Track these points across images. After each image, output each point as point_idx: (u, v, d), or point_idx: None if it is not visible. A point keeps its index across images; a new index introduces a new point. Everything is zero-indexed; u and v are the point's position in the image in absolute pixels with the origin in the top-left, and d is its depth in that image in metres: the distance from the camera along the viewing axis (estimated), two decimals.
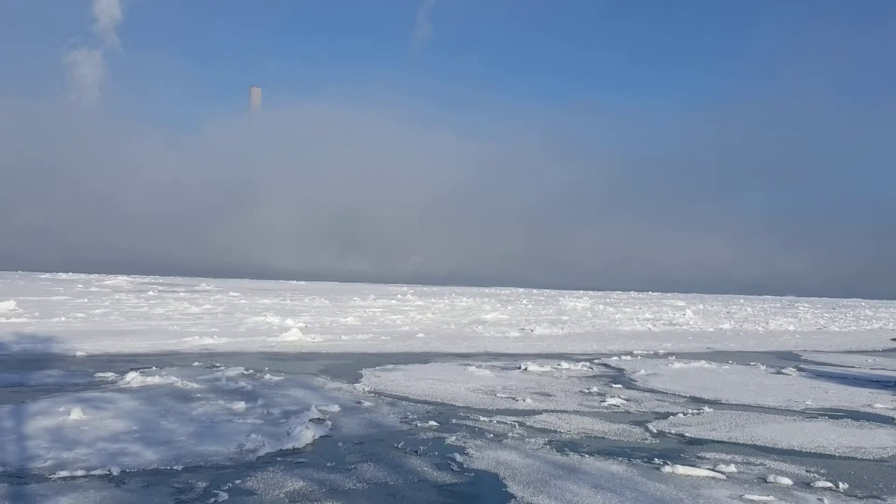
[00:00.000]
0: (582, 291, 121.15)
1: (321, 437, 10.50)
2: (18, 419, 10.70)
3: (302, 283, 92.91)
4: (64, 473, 8.18)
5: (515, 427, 11.68)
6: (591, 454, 10.08)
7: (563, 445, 10.54)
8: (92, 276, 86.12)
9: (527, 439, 10.82)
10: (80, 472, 8.25)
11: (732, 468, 9.46)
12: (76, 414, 10.79)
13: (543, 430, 11.56)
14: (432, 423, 11.74)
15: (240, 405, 12.27)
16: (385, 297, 60.69)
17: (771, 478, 9.06)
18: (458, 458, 9.56)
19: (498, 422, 12.06)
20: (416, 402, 13.65)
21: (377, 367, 18.06)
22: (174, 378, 14.61)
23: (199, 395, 13.32)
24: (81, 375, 15.04)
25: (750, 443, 11.24)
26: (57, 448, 9.19)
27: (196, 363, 17.35)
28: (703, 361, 22.40)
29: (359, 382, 15.54)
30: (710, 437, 11.54)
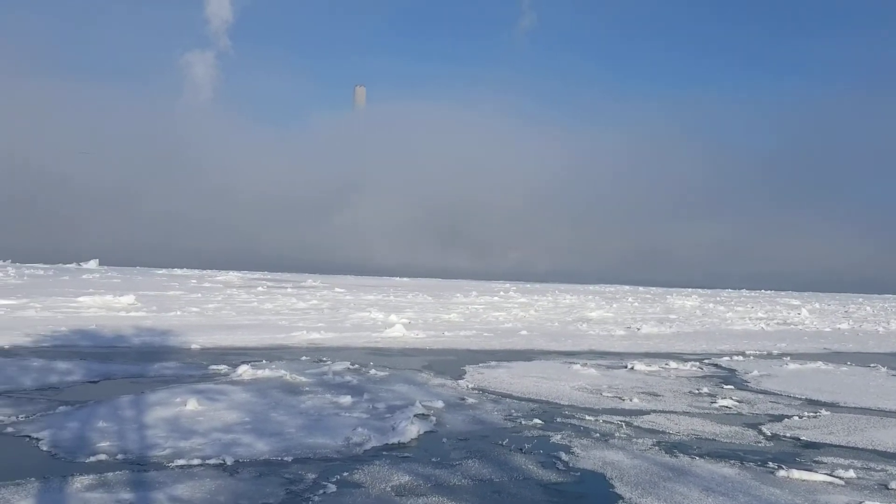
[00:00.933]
0: (690, 289, 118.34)
1: (426, 432, 10.56)
2: (139, 409, 11.16)
3: (405, 279, 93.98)
4: (181, 462, 8.49)
5: (622, 427, 11.46)
6: (701, 456, 9.80)
7: (672, 447, 10.29)
8: (205, 272, 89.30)
9: (634, 440, 10.61)
10: (195, 461, 8.54)
11: (851, 473, 9.02)
12: (192, 405, 11.18)
13: (651, 431, 11.31)
14: (537, 421, 11.65)
15: (346, 399, 12.47)
16: (487, 293, 60.73)
17: (893, 484, 8.61)
18: (564, 456, 9.45)
19: (604, 421, 11.87)
20: (521, 399, 13.58)
21: (480, 364, 18.06)
22: (283, 371, 14.98)
23: (306, 388, 13.61)
24: (196, 368, 15.58)
25: (870, 447, 10.72)
26: (174, 437, 9.54)
27: (304, 357, 17.74)
28: (820, 363, 21.49)
29: (462, 379, 15.57)
30: (828, 441, 11.05)
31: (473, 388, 14.53)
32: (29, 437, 9.42)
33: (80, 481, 7.63)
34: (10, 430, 9.75)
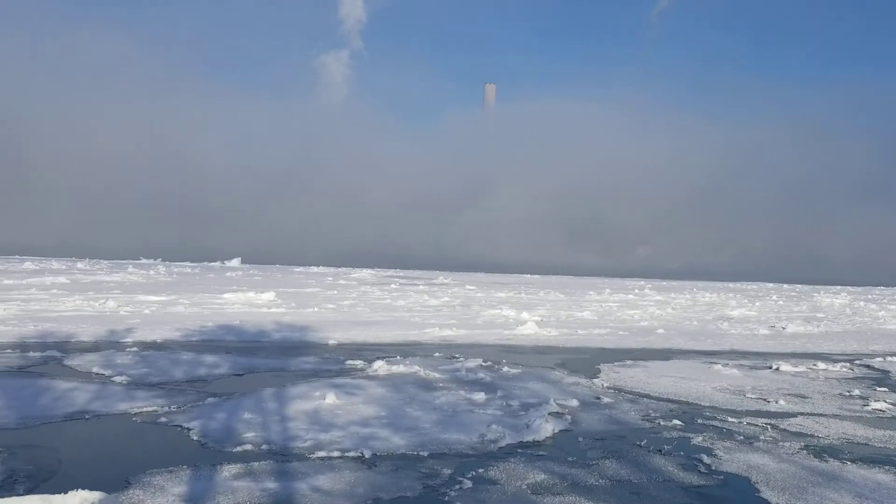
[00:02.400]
0: (839, 287, 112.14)
1: (561, 430, 10.42)
2: (281, 402, 11.54)
3: (535, 276, 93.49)
4: (321, 454, 8.70)
5: (767, 429, 10.96)
6: (853, 461, 9.25)
7: (822, 451, 9.75)
8: (340, 269, 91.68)
9: (780, 443, 10.12)
10: (335, 454, 8.74)
11: None
12: (330, 399, 11.45)
13: (799, 434, 10.76)
14: (676, 422, 11.31)
15: (479, 396, 12.48)
16: (621, 290, 59.64)
17: None
18: (706, 459, 9.12)
19: (748, 423, 11.39)
20: (659, 399, 13.22)
21: (615, 363, 17.71)
22: (417, 367, 15.15)
23: (440, 384, 13.71)
24: (333, 363, 15.98)
25: None
26: (315, 430, 9.80)
27: (437, 354, 17.90)
28: None
29: (597, 378, 15.31)
30: None
31: (609, 387, 14.25)
32: (180, 426, 9.89)
33: (227, 470, 7.94)
34: (163, 419, 10.27)
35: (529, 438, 9.87)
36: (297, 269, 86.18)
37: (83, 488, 4.55)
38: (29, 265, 63.11)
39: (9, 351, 15.70)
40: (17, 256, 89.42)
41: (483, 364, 16.31)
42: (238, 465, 8.11)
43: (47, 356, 15.14)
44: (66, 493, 4.38)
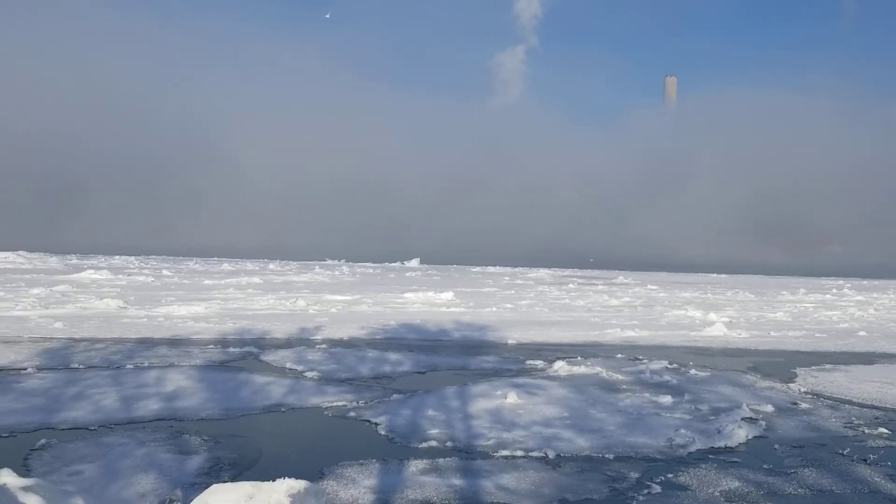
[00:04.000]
0: None
1: (755, 437, 9.91)
2: (463, 400, 11.67)
3: (722, 276, 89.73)
4: (505, 453, 8.71)
5: None
6: None
7: None
8: (516, 269, 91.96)
9: None
10: (518, 453, 8.72)
11: None
12: (512, 398, 11.45)
13: None
14: (882, 430, 10.47)
15: (666, 399, 12.08)
16: (816, 290, 56.13)
17: None
18: None
19: None
20: (862, 406, 12.29)
21: (812, 367, 16.65)
22: (599, 368, 14.89)
23: (624, 386, 13.39)
24: (513, 362, 15.99)
25: None
26: (497, 428, 9.82)
27: (619, 355, 17.52)
28: None
29: (793, 382, 14.45)
30: None
31: (806, 392, 13.42)
32: (368, 421, 10.21)
33: (414, 465, 8.10)
34: (352, 414, 10.63)
35: (721, 444, 9.44)
36: (474, 269, 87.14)
37: (283, 477, 4.74)
38: (226, 266, 67.47)
39: (211, 346, 16.80)
40: (215, 258, 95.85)
41: (668, 366, 15.80)
42: (424, 461, 8.25)
43: (245, 352, 16.07)
44: (273, 480, 4.58)
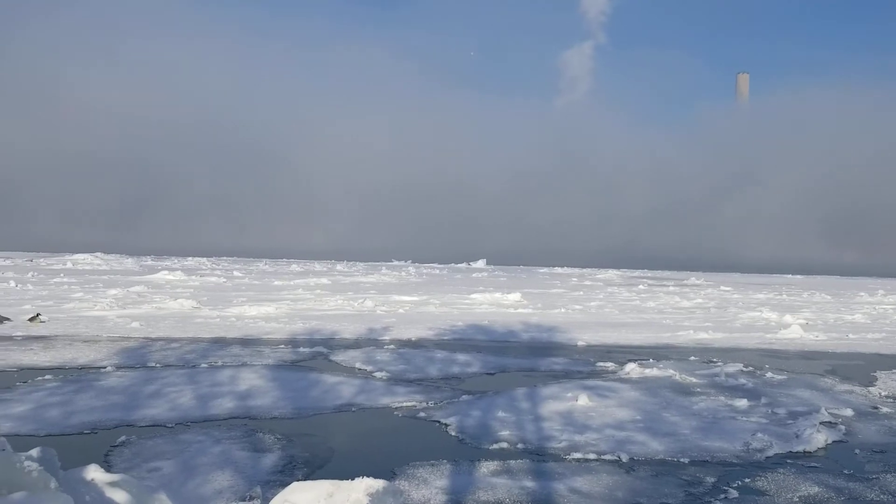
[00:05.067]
0: None
1: (834, 441, 9.61)
2: (533, 401, 11.60)
3: (797, 277, 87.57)
4: (577, 455, 8.62)
5: None
6: None
7: None
8: (584, 270, 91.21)
9: None
10: (591, 456, 8.62)
11: None
12: (583, 400, 11.33)
13: None
14: None
15: (742, 402, 11.81)
16: None
17: None
18: None
19: None
20: None
21: (893, 370, 16.07)
22: (672, 371, 14.64)
23: (698, 389, 13.14)
24: (583, 364, 15.84)
25: None
26: (569, 431, 9.73)
27: (692, 357, 17.20)
28: None
29: (873, 386, 13.99)
30: None
31: (887, 396, 12.98)
32: (438, 422, 10.22)
33: (485, 466, 8.08)
34: (422, 414, 10.66)
35: (799, 449, 9.19)
36: (542, 270, 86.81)
37: (356, 476, 4.77)
38: (295, 267, 68.61)
39: (282, 346, 17.06)
40: (284, 259, 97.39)
41: (744, 369, 15.45)
42: (495, 463, 8.22)
43: (315, 352, 16.27)
44: (347, 479, 4.61)
